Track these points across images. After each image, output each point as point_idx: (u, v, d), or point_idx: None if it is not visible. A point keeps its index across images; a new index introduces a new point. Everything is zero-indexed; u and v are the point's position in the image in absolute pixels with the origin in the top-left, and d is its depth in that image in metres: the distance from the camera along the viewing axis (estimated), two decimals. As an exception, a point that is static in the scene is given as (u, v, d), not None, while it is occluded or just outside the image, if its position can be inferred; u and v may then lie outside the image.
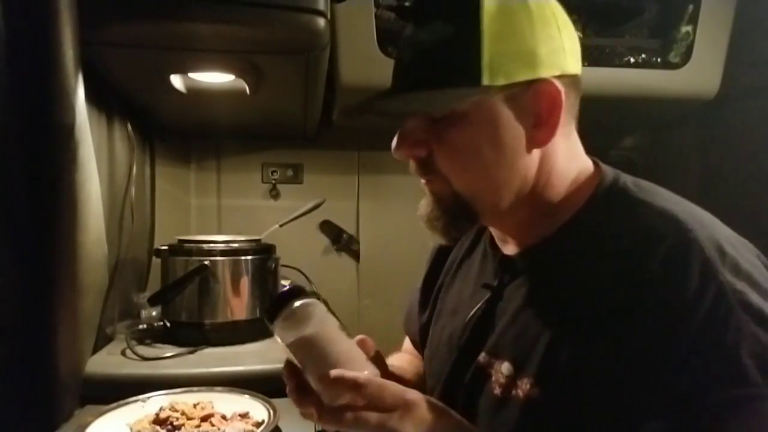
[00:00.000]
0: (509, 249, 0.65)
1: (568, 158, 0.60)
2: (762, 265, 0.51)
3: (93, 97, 1.03)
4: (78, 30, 0.80)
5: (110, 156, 1.20)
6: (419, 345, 0.85)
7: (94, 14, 0.83)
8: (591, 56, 1.20)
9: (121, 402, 0.86)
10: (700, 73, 1.20)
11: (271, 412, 0.84)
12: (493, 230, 0.68)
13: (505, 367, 0.58)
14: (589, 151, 0.63)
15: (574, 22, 1.40)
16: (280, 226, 1.35)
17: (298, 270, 1.53)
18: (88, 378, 0.98)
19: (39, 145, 0.80)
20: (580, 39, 0.61)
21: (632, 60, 1.22)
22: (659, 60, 1.23)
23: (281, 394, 0.91)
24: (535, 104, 0.55)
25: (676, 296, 0.47)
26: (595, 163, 0.63)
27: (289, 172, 1.68)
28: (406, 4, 1.15)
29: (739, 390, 0.44)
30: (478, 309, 0.66)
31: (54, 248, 0.85)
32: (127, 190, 1.30)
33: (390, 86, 0.61)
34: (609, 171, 0.61)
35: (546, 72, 0.55)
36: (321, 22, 0.90)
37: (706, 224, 0.52)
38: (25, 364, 0.85)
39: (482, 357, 0.62)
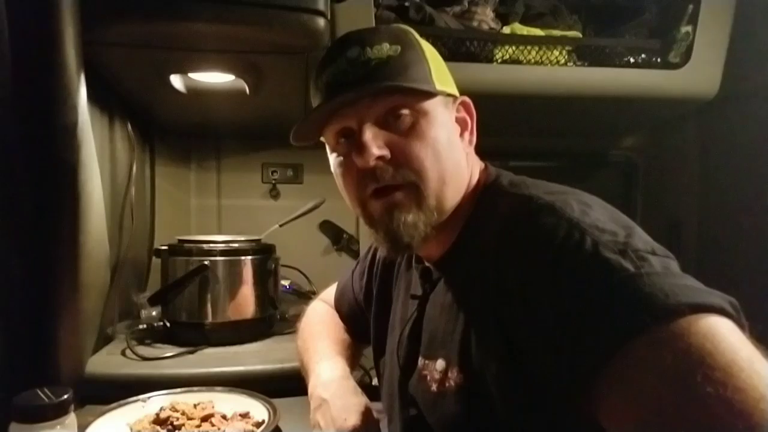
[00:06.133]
0: (430, 260, 0.72)
1: (474, 164, 0.69)
2: (623, 224, 0.52)
3: (94, 98, 1.03)
4: (80, 30, 0.80)
5: (111, 156, 1.20)
6: (349, 322, 0.95)
7: (95, 14, 0.83)
8: (591, 56, 1.19)
9: (122, 402, 0.86)
10: (699, 73, 1.19)
11: (271, 412, 0.84)
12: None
13: (439, 364, 0.63)
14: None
15: (575, 22, 1.40)
16: (280, 226, 1.35)
17: (298, 270, 1.53)
18: (89, 378, 0.98)
19: (42, 145, 0.80)
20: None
21: (632, 60, 1.22)
22: (659, 60, 1.22)
23: (281, 394, 0.92)
24: (461, 114, 0.68)
25: (535, 250, 0.52)
26: (485, 166, 0.71)
27: (289, 172, 1.68)
28: (406, 4, 1.15)
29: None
30: (410, 319, 0.73)
31: (56, 248, 0.85)
32: (127, 190, 1.30)
33: (327, 102, 0.62)
34: (492, 173, 0.69)
35: (457, 92, 0.68)
36: (321, 22, 0.90)
37: (558, 197, 0.56)
38: (26, 363, 0.85)
39: (420, 362, 0.68)
